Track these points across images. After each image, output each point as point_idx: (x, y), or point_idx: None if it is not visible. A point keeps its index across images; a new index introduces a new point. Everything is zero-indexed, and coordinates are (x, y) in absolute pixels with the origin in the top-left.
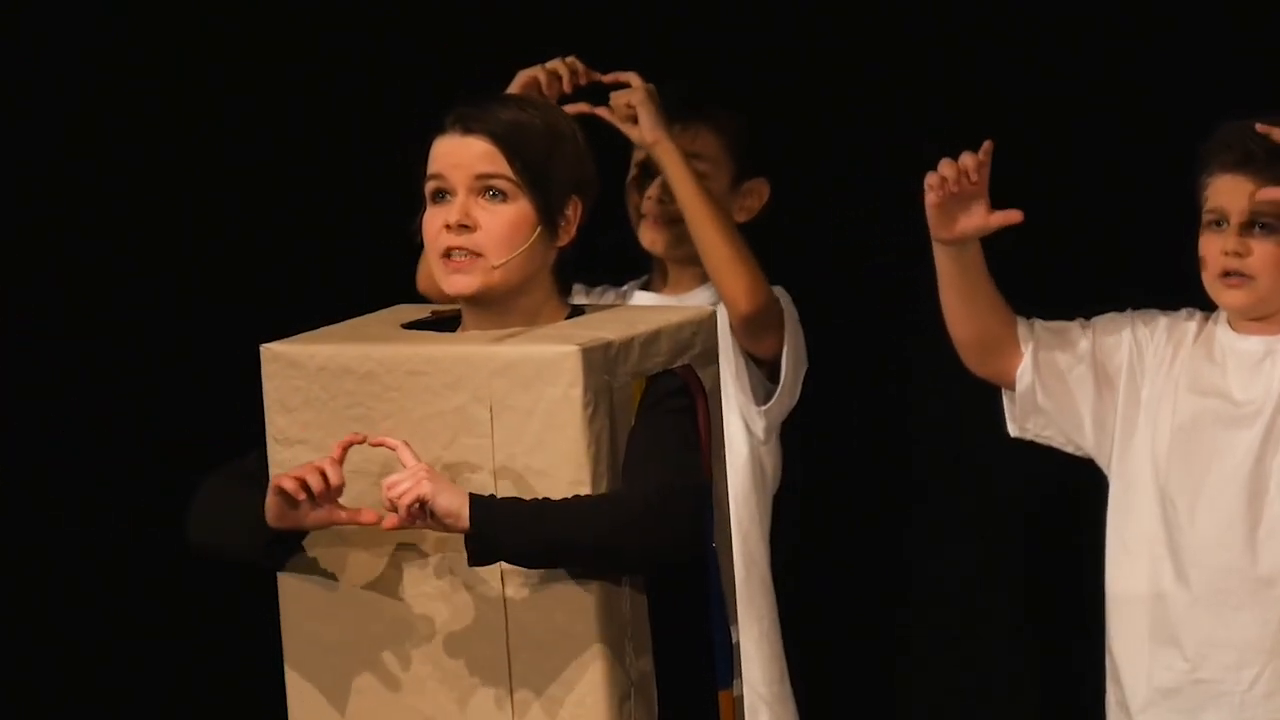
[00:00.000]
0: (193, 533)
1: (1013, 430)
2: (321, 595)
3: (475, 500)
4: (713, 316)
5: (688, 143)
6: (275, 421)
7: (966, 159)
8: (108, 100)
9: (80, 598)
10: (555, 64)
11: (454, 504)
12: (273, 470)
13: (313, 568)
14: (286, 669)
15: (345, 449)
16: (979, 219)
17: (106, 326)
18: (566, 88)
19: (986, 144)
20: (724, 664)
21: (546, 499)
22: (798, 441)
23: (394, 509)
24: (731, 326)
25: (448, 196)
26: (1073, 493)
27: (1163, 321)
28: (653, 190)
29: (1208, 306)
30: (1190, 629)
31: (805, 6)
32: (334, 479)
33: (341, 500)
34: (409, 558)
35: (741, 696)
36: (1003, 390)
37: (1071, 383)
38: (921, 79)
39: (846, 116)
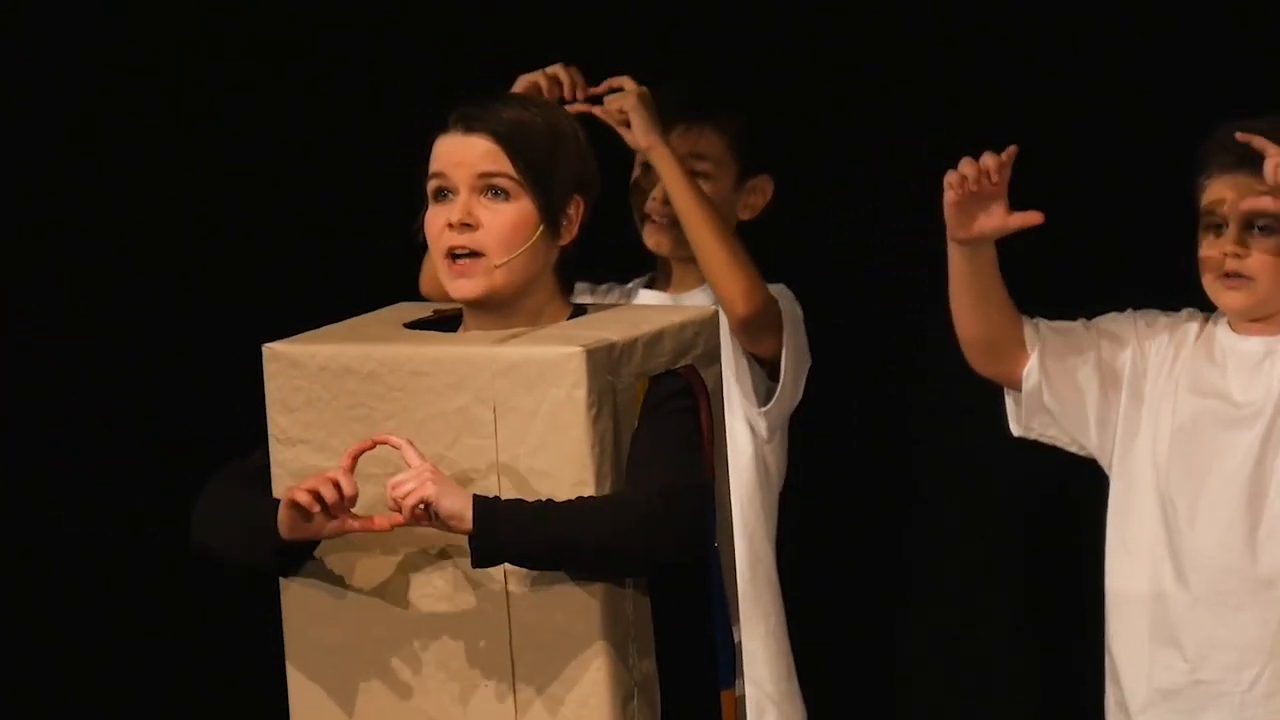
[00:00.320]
0: (196, 535)
1: (1016, 430)
2: (323, 595)
3: (479, 502)
4: (715, 316)
5: (691, 143)
6: (277, 421)
7: (988, 159)
8: (108, 100)
9: (80, 598)
10: (556, 69)
11: (457, 506)
12: (275, 470)
13: (315, 568)
14: (289, 669)
15: (355, 457)
16: (998, 219)
17: (106, 326)
18: (567, 94)
19: (1011, 148)
20: (726, 664)
21: (550, 500)
22: (799, 440)
23: (398, 509)
24: (730, 328)
25: (450, 195)
26: (1073, 493)
27: (1164, 322)
28: (656, 192)
29: (1208, 307)
30: (1190, 630)
31: (806, 5)
32: (348, 489)
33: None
34: (412, 558)
35: (744, 696)
36: (1005, 390)
37: (1078, 383)
38: (921, 79)
39: (847, 116)
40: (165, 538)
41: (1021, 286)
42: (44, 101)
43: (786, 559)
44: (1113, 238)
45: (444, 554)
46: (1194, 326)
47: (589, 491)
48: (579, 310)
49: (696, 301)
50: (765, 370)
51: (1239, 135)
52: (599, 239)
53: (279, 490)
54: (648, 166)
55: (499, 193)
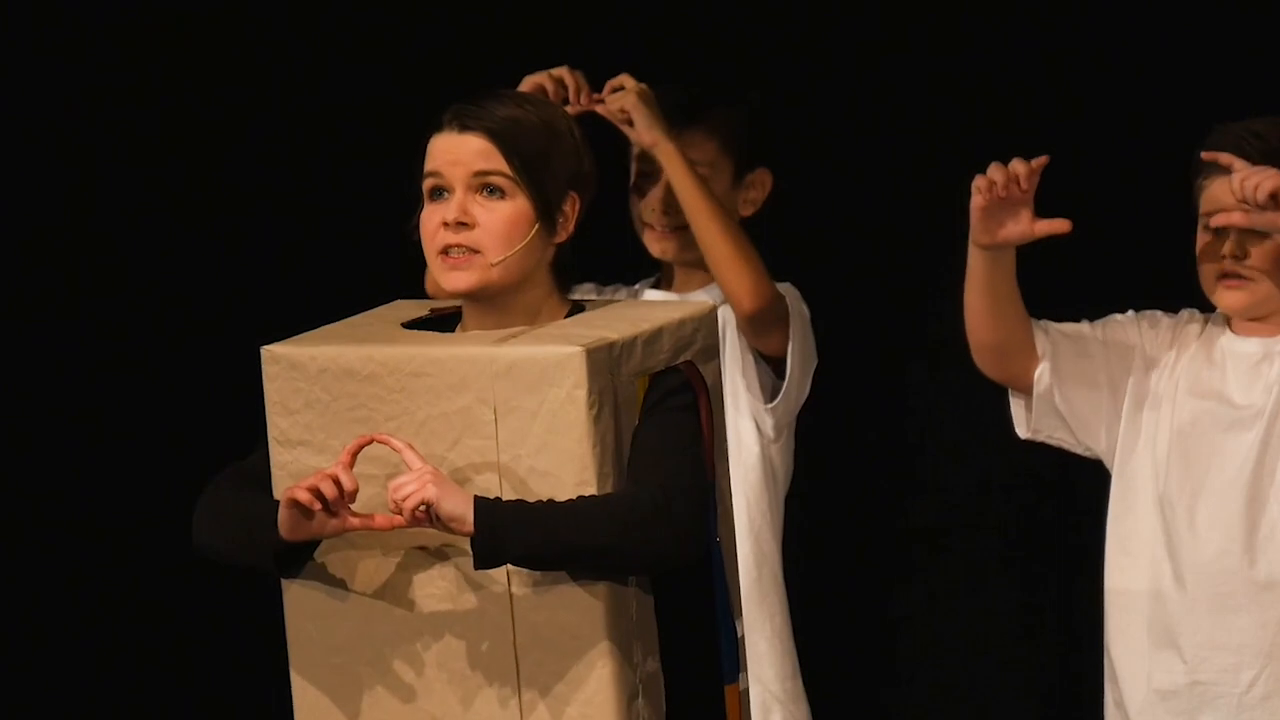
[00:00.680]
0: (197, 537)
1: (1024, 433)
2: (325, 597)
3: (480, 504)
4: (713, 311)
5: (683, 150)
6: (277, 423)
7: (1017, 165)
8: (108, 100)
9: (80, 598)
10: (561, 71)
11: (458, 508)
12: (275, 471)
13: (318, 569)
14: (291, 669)
15: (354, 453)
16: (1024, 226)
17: (106, 326)
18: (571, 97)
19: (1043, 157)
20: (729, 658)
21: (551, 501)
22: (804, 441)
23: (399, 511)
24: (737, 324)
25: (445, 194)
26: (1073, 493)
27: (1166, 323)
28: (655, 200)
29: (1207, 307)
30: (1189, 631)
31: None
32: (347, 485)
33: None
34: (415, 558)
35: (747, 690)
36: (1010, 392)
37: (1088, 386)
38: (922, 79)
39: (851, 113)
40: (166, 539)
41: (1022, 287)
42: (44, 102)
43: (792, 559)
44: (1113, 238)
45: (446, 555)
46: (1194, 328)
47: (590, 491)
48: (577, 307)
49: (704, 299)
50: (771, 367)
51: (1204, 155)
52: (605, 242)
53: (279, 493)
54: (643, 170)
55: (494, 191)
